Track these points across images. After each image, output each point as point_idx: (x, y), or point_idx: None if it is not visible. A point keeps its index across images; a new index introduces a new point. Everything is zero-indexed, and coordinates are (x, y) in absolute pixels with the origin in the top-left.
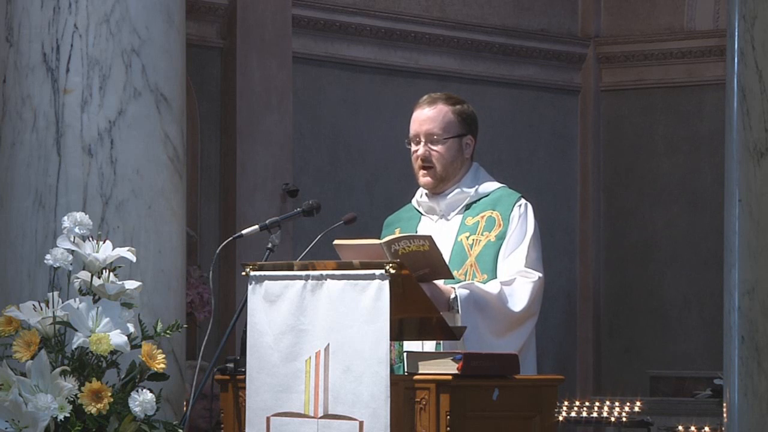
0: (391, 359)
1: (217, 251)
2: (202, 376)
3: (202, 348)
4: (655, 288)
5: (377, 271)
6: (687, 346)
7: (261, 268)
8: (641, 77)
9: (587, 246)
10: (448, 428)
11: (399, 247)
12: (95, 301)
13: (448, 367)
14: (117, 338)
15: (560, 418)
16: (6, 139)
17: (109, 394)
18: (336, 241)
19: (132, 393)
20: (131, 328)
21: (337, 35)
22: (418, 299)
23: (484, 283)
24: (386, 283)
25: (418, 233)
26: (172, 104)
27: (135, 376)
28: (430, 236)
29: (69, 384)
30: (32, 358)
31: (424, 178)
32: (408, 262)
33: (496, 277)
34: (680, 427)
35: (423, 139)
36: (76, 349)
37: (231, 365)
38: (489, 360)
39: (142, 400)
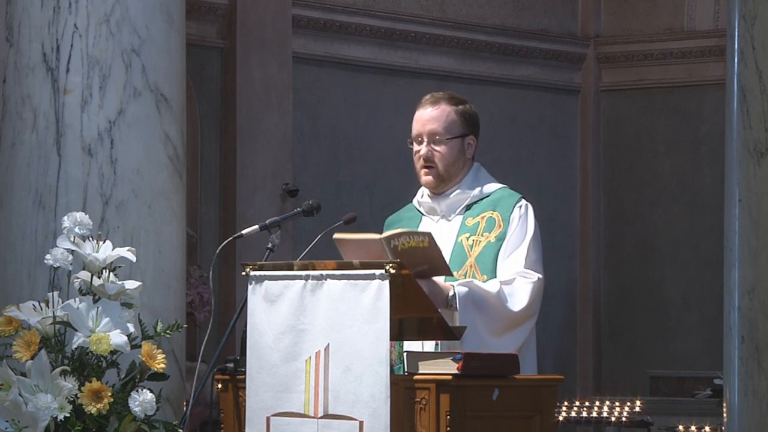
0: (391, 359)
1: (217, 251)
2: (201, 376)
3: (202, 348)
4: (655, 288)
5: (377, 271)
6: (687, 346)
7: (261, 268)
8: (641, 77)
9: (587, 246)
10: (448, 428)
11: (398, 242)
12: (95, 301)
13: (448, 367)
14: (117, 338)
15: (560, 418)
16: (6, 139)
17: (109, 394)
18: (336, 235)
19: (132, 393)
20: (131, 328)
21: (337, 35)
22: (418, 299)
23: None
24: (386, 283)
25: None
26: (172, 104)
27: (135, 376)
28: (430, 233)
29: (69, 384)
30: (32, 358)
31: (426, 176)
32: (407, 258)
33: (495, 278)
34: (680, 427)
35: (426, 139)
36: (76, 349)
37: (231, 365)
38: (489, 360)
39: (142, 400)
